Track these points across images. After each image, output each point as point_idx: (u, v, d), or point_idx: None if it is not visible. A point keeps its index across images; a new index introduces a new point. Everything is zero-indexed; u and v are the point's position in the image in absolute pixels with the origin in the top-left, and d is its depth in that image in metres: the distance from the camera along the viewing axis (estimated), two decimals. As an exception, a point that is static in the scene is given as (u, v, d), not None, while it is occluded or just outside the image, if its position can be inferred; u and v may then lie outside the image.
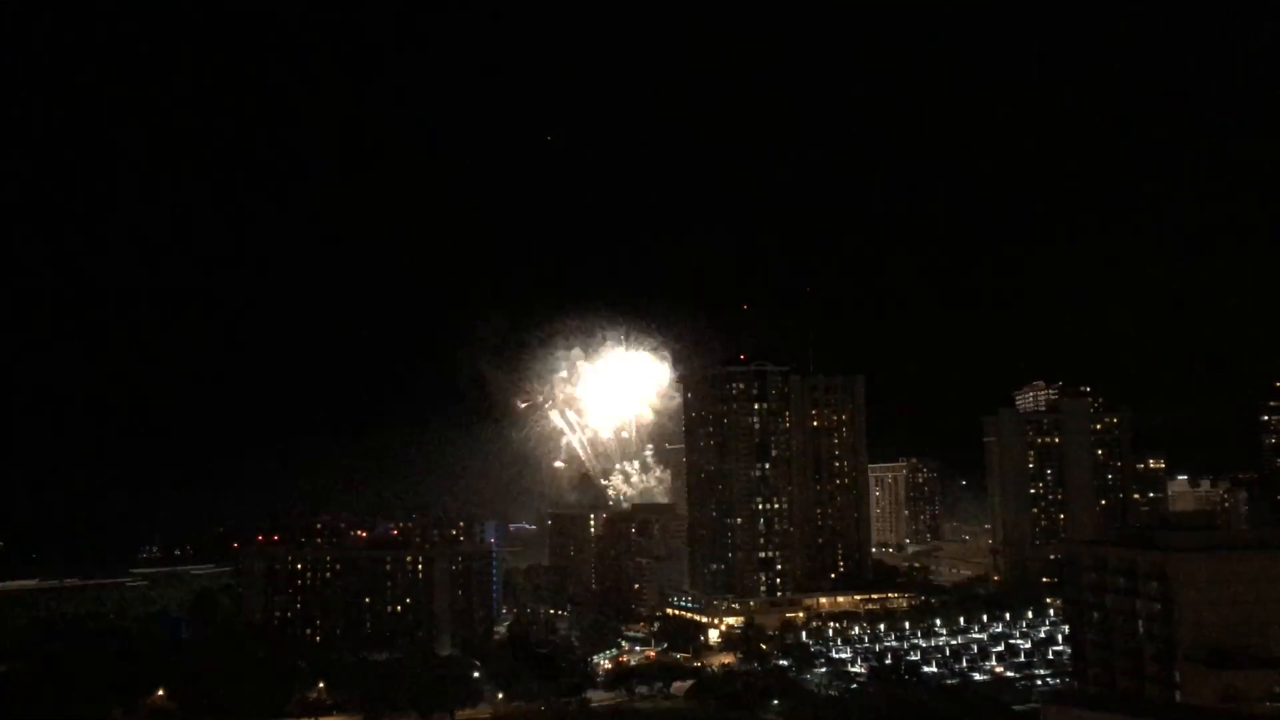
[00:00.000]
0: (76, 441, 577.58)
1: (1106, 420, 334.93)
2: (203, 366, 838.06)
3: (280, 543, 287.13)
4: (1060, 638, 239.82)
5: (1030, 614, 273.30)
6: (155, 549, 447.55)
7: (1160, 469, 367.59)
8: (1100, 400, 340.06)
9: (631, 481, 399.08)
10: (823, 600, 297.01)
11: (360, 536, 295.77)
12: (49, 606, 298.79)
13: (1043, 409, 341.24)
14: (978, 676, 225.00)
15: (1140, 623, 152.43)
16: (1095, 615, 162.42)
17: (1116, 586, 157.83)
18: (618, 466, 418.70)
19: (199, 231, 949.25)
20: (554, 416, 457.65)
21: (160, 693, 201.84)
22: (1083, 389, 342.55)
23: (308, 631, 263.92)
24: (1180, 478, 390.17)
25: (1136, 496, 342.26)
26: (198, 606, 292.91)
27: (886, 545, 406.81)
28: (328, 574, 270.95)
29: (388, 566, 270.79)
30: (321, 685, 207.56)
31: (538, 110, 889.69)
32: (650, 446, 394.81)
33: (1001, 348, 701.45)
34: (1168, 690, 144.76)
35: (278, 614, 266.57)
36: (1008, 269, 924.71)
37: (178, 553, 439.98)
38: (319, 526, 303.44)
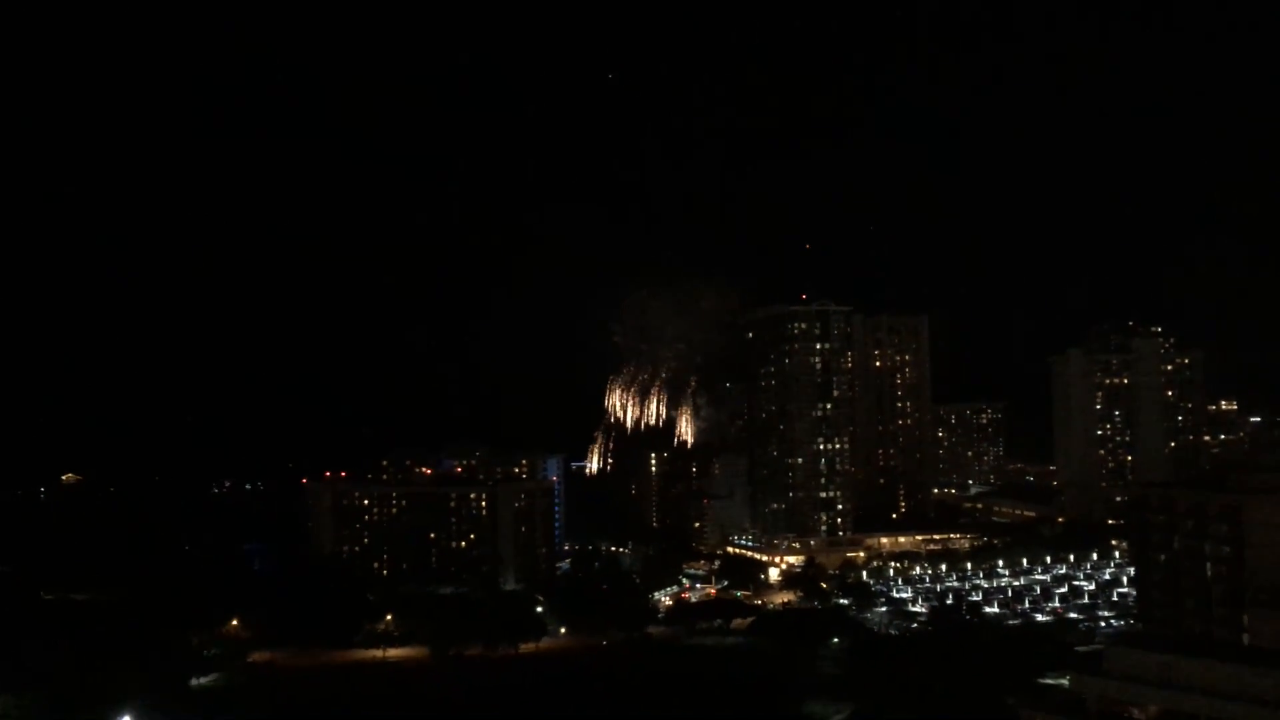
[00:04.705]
0: (150, 379, 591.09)
1: (1178, 361, 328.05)
2: (275, 304, 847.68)
3: (348, 478, 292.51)
4: (1125, 580, 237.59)
5: (1095, 556, 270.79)
6: (227, 484, 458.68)
7: (1233, 411, 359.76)
8: (1172, 340, 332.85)
9: (702, 415, 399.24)
10: (884, 540, 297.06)
11: (425, 473, 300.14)
12: (127, 539, 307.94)
13: (1112, 349, 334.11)
14: (1040, 618, 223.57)
15: (1209, 565, 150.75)
16: (1162, 557, 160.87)
17: (1185, 529, 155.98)
18: (687, 399, 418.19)
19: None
20: (622, 348, 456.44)
21: (235, 621, 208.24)
22: (1154, 329, 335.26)
23: (375, 565, 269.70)
24: (1254, 420, 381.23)
25: (1208, 439, 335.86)
26: (269, 539, 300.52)
27: (950, 486, 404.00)
28: (394, 510, 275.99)
29: (453, 503, 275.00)
30: (390, 617, 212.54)
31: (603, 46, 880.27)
32: (723, 381, 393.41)
33: (1071, 286, 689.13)
34: (1235, 633, 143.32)
35: (346, 548, 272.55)
36: (1079, 207, 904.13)
37: (248, 487, 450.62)
38: (385, 463, 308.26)
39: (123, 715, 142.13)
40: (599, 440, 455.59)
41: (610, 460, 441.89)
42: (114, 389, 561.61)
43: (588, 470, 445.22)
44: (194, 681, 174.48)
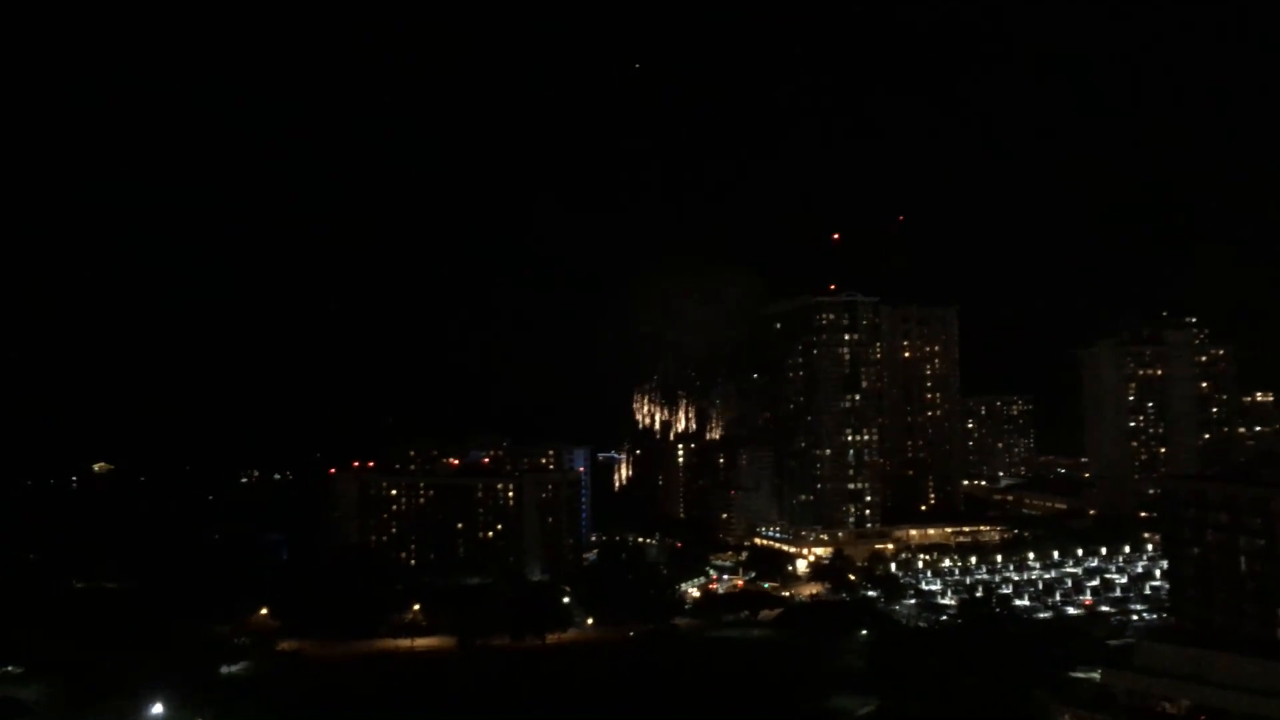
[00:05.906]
0: (180, 371, 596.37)
1: (1212, 352, 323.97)
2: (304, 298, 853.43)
3: (375, 469, 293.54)
4: (1158, 574, 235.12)
5: (1127, 549, 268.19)
6: (255, 474, 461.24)
7: (1269, 403, 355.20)
8: (1206, 332, 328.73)
9: (729, 406, 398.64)
10: (912, 532, 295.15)
11: (452, 464, 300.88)
12: (158, 528, 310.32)
13: (1145, 340, 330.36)
14: (1071, 611, 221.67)
15: (1242, 559, 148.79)
16: (1195, 551, 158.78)
17: (1218, 522, 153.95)
18: (716, 391, 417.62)
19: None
20: (650, 340, 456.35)
21: (263, 611, 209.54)
22: (1188, 320, 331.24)
23: (402, 555, 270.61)
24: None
25: (1242, 431, 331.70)
26: (296, 529, 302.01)
27: (979, 478, 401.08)
28: (420, 500, 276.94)
29: (479, 494, 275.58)
30: (416, 607, 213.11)
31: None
32: (751, 372, 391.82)
33: (1103, 277, 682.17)
34: (1268, 628, 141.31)
35: (373, 538, 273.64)
36: (1111, 197, 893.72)
37: (276, 477, 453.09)
38: (412, 454, 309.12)
39: (153, 703, 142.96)
40: (627, 436, 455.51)
41: (637, 452, 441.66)
42: (145, 380, 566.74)
43: (615, 476, 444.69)
44: (223, 670, 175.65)
